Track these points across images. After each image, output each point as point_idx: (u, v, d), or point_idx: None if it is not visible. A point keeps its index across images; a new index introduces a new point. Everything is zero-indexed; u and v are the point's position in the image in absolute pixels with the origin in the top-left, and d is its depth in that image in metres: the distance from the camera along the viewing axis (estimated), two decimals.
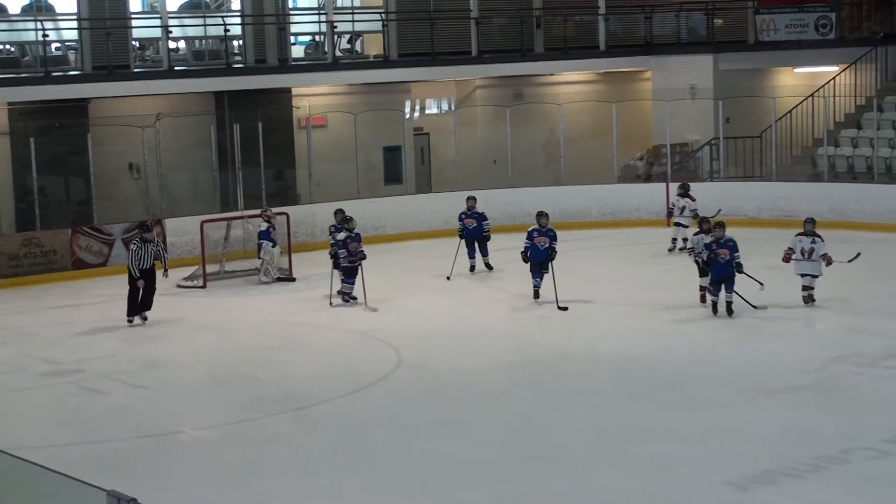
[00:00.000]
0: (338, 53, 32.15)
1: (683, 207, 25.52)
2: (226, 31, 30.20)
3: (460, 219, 24.33)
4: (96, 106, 28.53)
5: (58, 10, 29.56)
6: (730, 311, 19.65)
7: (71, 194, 28.96)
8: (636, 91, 35.22)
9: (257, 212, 24.96)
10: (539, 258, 21.18)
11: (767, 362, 17.16)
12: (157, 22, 29.66)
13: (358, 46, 33.97)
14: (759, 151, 32.14)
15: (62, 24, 29.92)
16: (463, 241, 24.18)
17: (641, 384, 16.35)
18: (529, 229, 21.47)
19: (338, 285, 21.80)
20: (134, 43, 29.98)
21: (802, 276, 20.17)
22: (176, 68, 29.73)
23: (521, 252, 21.42)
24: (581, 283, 20.76)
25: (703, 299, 20.35)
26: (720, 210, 26.13)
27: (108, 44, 28.37)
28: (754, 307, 19.74)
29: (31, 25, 28.34)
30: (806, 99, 32.21)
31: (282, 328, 20.29)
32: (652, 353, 17.89)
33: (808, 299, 20.04)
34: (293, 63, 31.42)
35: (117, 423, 15.34)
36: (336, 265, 21.89)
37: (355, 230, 21.73)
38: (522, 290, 21.96)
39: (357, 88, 32.20)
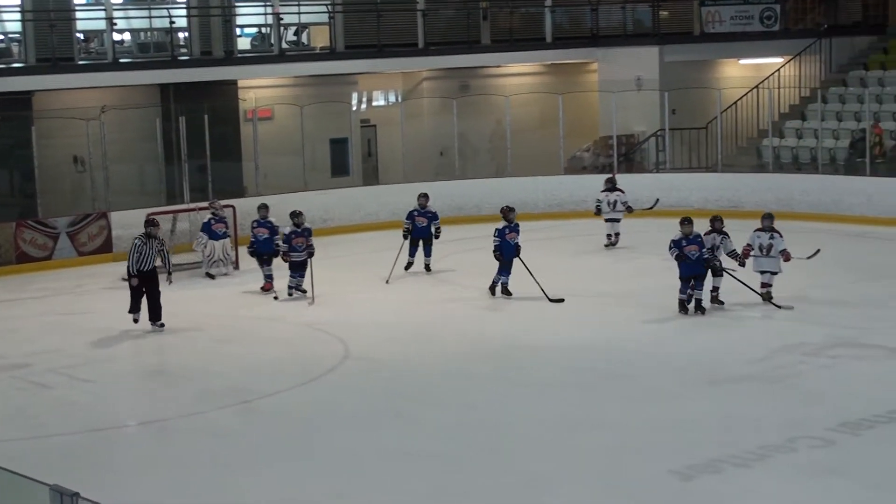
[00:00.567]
0: (284, 45, 32.07)
1: (615, 202, 25.36)
2: (171, 22, 30.07)
3: (411, 216, 23.34)
4: (40, 98, 28.30)
5: (1, 2, 29.31)
6: (702, 310, 19.26)
7: (15, 188, 28.75)
8: (582, 83, 35.35)
9: (205, 204, 24.85)
10: (512, 254, 21.00)
11: (714, 353, 17.26)
12: (102, 14, 29.46)
13: (304, 38, 33.87)
14: (705, 143, 32.32)
15: (5, 17, 29.74)
16: (407, 240, 23.31)
17: (591, 376, 16.39)
18: (501, 227, 20.98)
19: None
20: (78, 35, 29.78)
21: (762, 272, 19.78)
22: (121, 60, 29.58)
23: (495, 251, 20.84)
24: (528, 276, 20.76)
25: (714, 301, 19.65)
26: (658, 200, 26.25)
27: (52, 36, 28.19)
28: (779, 307, 19.38)
29: None
30: (751, 90, 32.43)
31: (229, 321, 20.21)
32: (601, 344, 17.97)
33: (767, 297, 19.65)
34: (239, 55, 31.33)
35: (63, 417, 15.23)
36: (260, 262, 22.22)
37: (304, 225, 21.65)
38: (471, 282, 21.99)
39: (304, 80, 32.11)
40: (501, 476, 12.57)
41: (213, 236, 23.73)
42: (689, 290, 19.28)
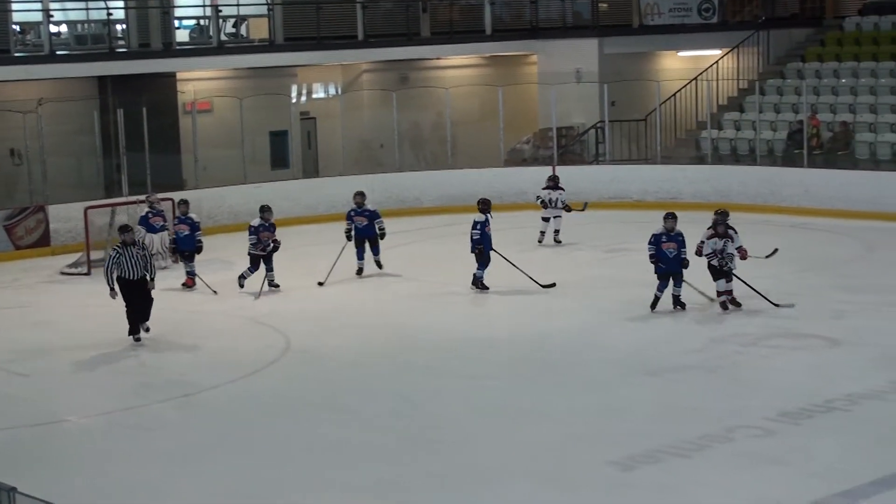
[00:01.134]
0: (223, 37, 31.87)
1: (556, 199, 25.30)
2: (109, 14, 29.80)
3: (349, 217, 22.42)
4: None
5: None
6: (682, 306, 18.95)
7: None
8: (522, 75, 35.40)
9: (143, 197, 24.69)
10: (490, 248, 20.89)
11: (653, 343, 17.34)
12: (39, 6, 29.17)
13: (243, 30, 33.68)
14: (644, 135, 32.43)
15: None
16: (351, 241, 22.42)
17: (532, 366, 16.45)
18: (480, 221, 20.78)
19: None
20: (14, 27, 29.47)
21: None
22: (58, 52, 29.30)
23: (476, 246, 20.66)
24: (471, 269, 20.79)
25: (723, 306, 18.93)
26: (587, 204, 26.03)
27: None
28: (776, 305, 19.03)
29: None
30: (689, 82, 32.57)
31: (169, 314, 20.02)
32: (543, 335, 18.05)
33: (734, 303, 19.06)
34: (178, 47, 31.08)
35: (1, 411, 15.11)
36: (182, 259, 22.31)
37: (271, 220, 21.54)
38: (414, 275, 22.00)
39: (243, 73, 31.99)
40: (441, 468, 12.58)
41: (151, 230, 23.54)
42: (664, 288, 18.94)
